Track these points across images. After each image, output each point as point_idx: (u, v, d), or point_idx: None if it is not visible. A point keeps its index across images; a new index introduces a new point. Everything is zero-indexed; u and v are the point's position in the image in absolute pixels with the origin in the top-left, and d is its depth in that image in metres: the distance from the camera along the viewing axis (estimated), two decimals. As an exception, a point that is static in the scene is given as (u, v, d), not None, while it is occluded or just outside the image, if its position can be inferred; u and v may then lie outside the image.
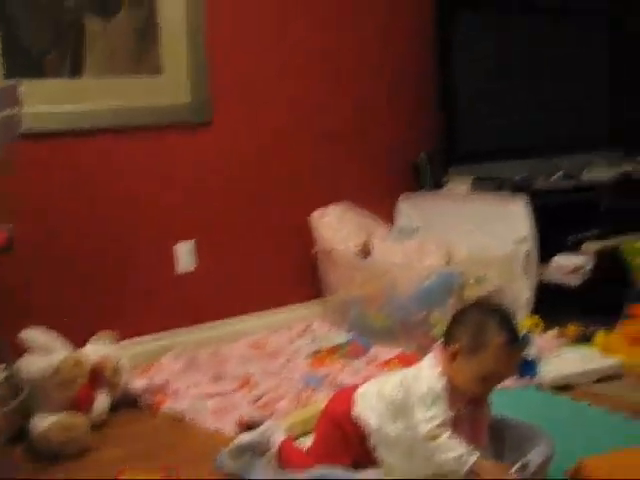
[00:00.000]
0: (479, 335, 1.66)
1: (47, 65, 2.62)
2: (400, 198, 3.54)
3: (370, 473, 1.74)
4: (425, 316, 2.77)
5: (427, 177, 3.50)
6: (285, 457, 1.82)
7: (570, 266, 2.90)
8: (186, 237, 2.97)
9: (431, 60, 3.43)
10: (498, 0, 3.66)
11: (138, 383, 2.45)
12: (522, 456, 1.64)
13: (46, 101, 2.59)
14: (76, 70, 2.68)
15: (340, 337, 3.01)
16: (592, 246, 2.87)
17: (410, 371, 1.78)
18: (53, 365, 2.18)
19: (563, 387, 2.36)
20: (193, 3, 2.90)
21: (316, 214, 3.23)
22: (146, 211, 2.87)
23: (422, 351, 2.62)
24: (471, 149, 3.50)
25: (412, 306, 2.80)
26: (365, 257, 3.17)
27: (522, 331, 2.40)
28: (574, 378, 2.40)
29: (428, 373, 1.70)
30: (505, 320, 1.70)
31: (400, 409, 1.72)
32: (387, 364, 2.61)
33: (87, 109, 2.69)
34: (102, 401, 2.30)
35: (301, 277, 3.28)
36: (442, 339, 1.76)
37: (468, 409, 1.71)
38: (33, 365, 2.21)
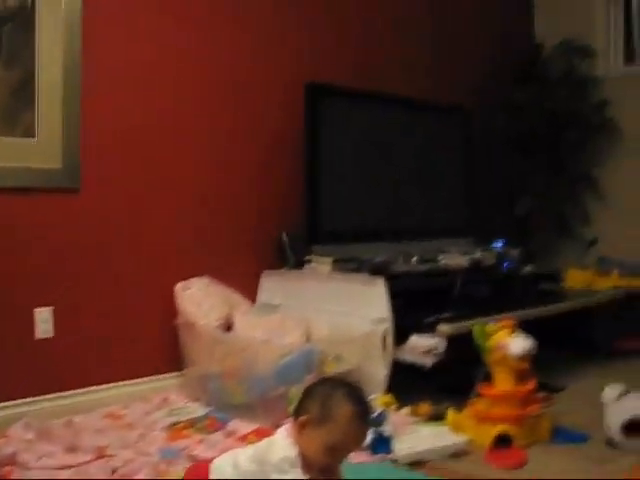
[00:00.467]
0: (326, 406, 1.71)
1: None
2: (263, 274, 3.59)
3: None
4: (284, 392, 2.76)
5: (289, 255, 3.57)
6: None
7: (424, 347, 2.99)
8: (46, 303, 2.89)
9: (300, 142, 3.55)
10: (363, 93, 3.86)
11: (-17, 454, 2.31)
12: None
13: None
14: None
15: (197, 411, 2.97)
16: (446, 328, 2.97)
17: (263, 442, 1.80)
18: None
19: (416, 463, 2.42)
20: (71, 68, 2.92)
21: (179, 286, 3.22)
22: (7, 274, 2.78)
23: (279, 427, 2.65)
24: (333, 230, 3.61)
25: (271, 382, 2.80)
26: (226, 331, 3.17)
27: (377, 408, 2.49)
28: (426, 454, 2.46)
29: (281, 443, 1.72)
30: (352, 393, 1.75)
31: (255, 477, 1.72)
32: (244, 438, 2.58)
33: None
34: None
35: (160, 349, 3.24)
36: (294, 413, 1.78)
37: (321, 477, 1.72)
38: None
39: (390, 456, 2.45)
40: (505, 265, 3.94)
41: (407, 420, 2.80)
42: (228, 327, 3.21)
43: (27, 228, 2.85)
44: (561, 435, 2.68)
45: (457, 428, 2.66)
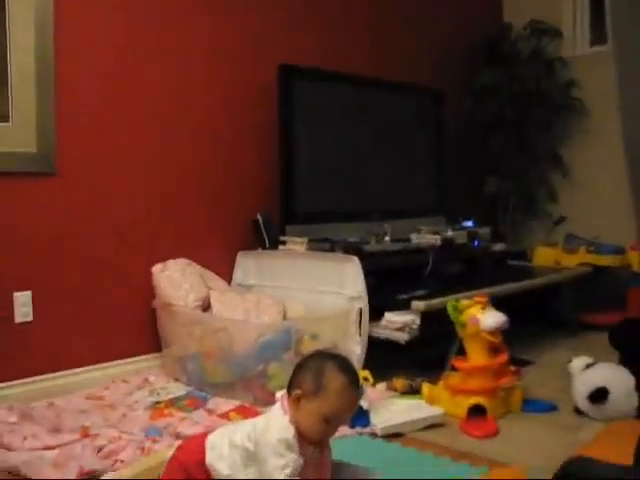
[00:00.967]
0: (319, 378, 1.75)
1: None
2: (238, 255, 3.64)
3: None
4: (262, 370, 2.82)
5: (264, 236, 3.61)
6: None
7: (399, 323, 3.07)
8: (24, 287, 2.91)
9: (275, 124, 3.59)
10: (335, 74, 3.90)
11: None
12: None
13: None
14: None
15: (178, 390, 3.01)
16: (420, 304, 3.04)
17: (259, 421, 1.82)
18: None
19: (393, 435, 2.49)
20: (44, 52, 2.92)
21: (157, 268, 3.25)
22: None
23: (259, 403, 2.72)
24: (307, 211, 3.66)
25: (250, 360, 2.85)
26: (204, 312, 3.21)
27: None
28: (403, 427, 2.53)
29: (278, 422, 1.75)
30: (342, 364, 1.80)
31: (252, 457, 1.76)
32: (226, 415, 2.64)
33: None
34: None
35: (139, 330, 3.28)
36: (287, 389, 1.83)
37: (315, 452, 1.78)
38: None
39: (368, 429, 2.52)
40: (476, 243, 4.03)
41: (383, 394, 2.88)
42: (205, 308, 3.25)
43: (3, 213, 2.86)
44: (532, 405, 2.78)
45: (432, 401, 2.73)
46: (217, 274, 3.50)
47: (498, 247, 4.21)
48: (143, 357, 3.29)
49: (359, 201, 3.92)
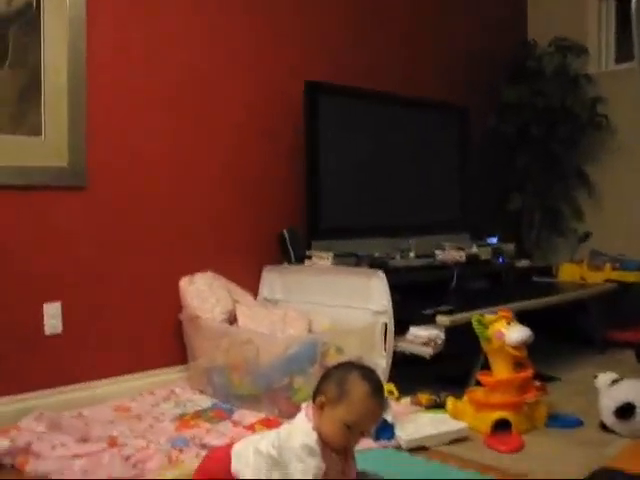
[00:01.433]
0: (343, 385, 1.78)
1: None
2: (264, 269, 3.67)
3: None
4: (288, 383, 2.84)
5: (290, 251, 3.65)
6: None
7: (424, 338, 3.08)
8: (53, 299, 2.95)
9: (300, 142, 3.63)
10: (361, 91, 3.94)
11: (-2, 444, 2.37)
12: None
13: None
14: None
15: (203, 402, 3.05)
16: (444, 319, 3.05)
17: (284, 428, 1.85)
18: None
19: (418, 448, 2.50)
20: (76, 68, 2.99)
21: (184, 281, 3.29)
22: (16, 271, 2.85)
23: (284, 416, 2.73)
24: (332, 226, 3.69)
25: (276, 373, 2.87)
26: (230, 324, 3.24)
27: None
28: (427, 440, 2.53)
29: (301, 428, 1.78)
30: (367, 373, 1.83)
31: (276, 463, 1.78)
32: (251, 427, 2.66)
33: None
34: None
35: (165, 342, 3.31)
36: (312, 396, 1.86)
37: (338, 461, 1.80)
38: None
39: (393, 442, 2.54)
40: (500, 260, 4.04)
41: (408, 409, 2.89)
42: (232, 321, 3.28)
43: (35, 225, 2.91)
44: (556, 421, 2.78)
45: (457, 415, 2.73)
46: (243, 288, 3.53)
47: (523, 263, 4.21)
48: (169, 369, 3.32)
49: (384, 217, 3.94)
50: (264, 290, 3.66)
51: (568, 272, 4.54)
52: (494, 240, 4.25)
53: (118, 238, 3.16)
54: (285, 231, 3.66)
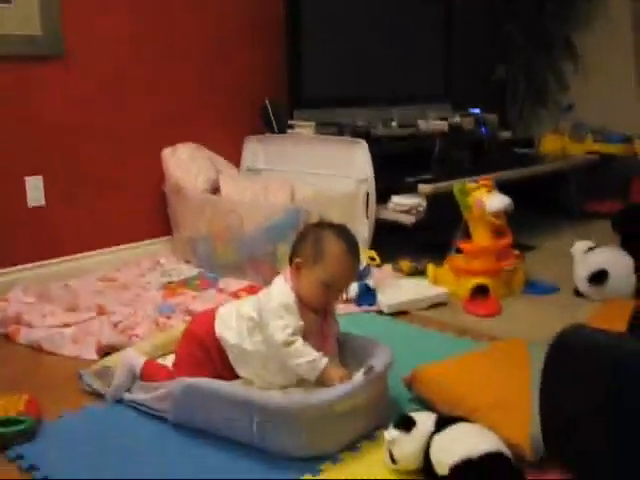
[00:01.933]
0: (318, 245, 1.79)
1: None
2: (246, 140, 3.65)
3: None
4: (271, 250, 2.88)
5: (273, 121, 3.61)
6: (150, 375, 1.89)
7: (406, 206, 3.11)
8: (35, 172, 2.93)
9: (281, 9, 3.52)
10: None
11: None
12: (365, 363, 1.80)
13: None
14: None
15: (189, 271, 3.10)
16: (426, 188, 3.07)
17: (263, 292, 1.88)
18: None
19: (399, 313, 2.58)
20: None
21: (167, 151, 3.27)
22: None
23: (268, 283, 2.76)
24: (314, 96, 3.63)
25: (259, 241, 2.91)
26: (214, 194, 3.25)
27: (362, 264, 2.62)
28: (408, 305, 2.61)
29: (280, 290, 1.81)
30: (341, 232, 1.83)
31: (256, 325, 1.83)
32: (236, 294, 2.71)
33: None
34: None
35: (150, 214, 3.33)
36: (289, 259, 1.87)
37: (317, 320, 1.84)
38: None
39: (375, 307, 2.61)
40: (483, 130, 4.03)
41: (390, 275, 2.96)
42: (214, 191, 3.28)
43: (12, 97, 2.84)
44: (533, 287, 2.86)
45: (437, 282, 2.81)
46: (227, 160, 3.51)
47: (505, 134, 4.21)
48: (154, 240, 3.35)
49: (367, 87, 3.88)
50: (247, 160, 3.65)
51: (550, 144, 4.54)
52: (477, 111, 4.23)
53: (98, 108, 3.11)
54: (267, 102, 3.60)
